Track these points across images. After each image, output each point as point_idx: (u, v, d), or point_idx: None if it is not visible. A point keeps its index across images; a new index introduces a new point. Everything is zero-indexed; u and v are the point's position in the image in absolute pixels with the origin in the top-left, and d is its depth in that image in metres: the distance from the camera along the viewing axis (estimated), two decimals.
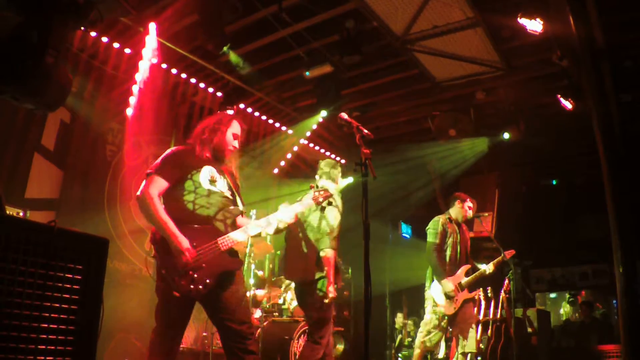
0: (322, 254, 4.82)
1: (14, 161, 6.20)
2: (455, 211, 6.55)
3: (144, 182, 3.54)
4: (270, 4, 6.04)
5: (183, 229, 3.42)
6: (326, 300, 4.71)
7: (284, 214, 3.77)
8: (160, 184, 3.54)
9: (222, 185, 3.73)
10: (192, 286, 3.32)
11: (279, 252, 8.71)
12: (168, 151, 3.73)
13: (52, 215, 6.43)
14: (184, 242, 3.35)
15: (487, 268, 6.26)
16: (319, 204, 3.92)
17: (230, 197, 3.78)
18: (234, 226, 3.72)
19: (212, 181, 3.67)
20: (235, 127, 3.91)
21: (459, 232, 6.47)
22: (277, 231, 3.86)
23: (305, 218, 5.08)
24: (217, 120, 3.90)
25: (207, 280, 3.37)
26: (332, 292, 4.71)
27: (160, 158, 3.68)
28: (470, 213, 6.60)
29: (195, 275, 3.34)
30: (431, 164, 9.93)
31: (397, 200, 9.89)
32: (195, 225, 3.51)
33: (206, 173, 3.67)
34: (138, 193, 3.50)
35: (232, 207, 3.74)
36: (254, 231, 3.68)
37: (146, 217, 3.49)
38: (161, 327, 3.48)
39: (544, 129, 8.55)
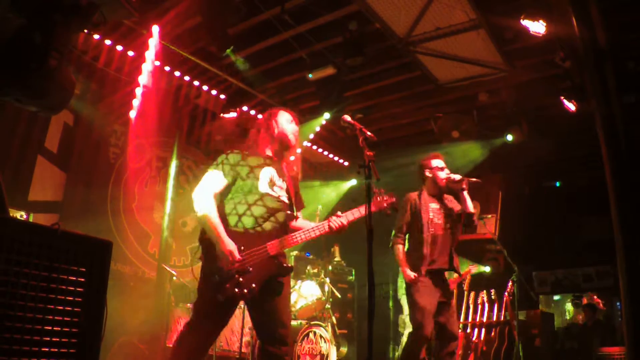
0: None
1: (17, 164, 6.21)
2: None
3: (204, 177, 3.53)
4: (273, 6, 6.05)
5: (233, 232, 3.40)
6: None
7: (336, 221, 3.66)
8: (219, 182, 3.53)
9: (280, 189, 3.68)
10: (236, 290, 3.27)
11: None
12: (230, 151, 3.69)
13: (55, 218, 6.45)
14: (230, 245, 3.30)
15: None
16: (383, 209, 3.79)
17: (287, 201, 3.73)
18: (286, 230, 3.68)
19: (271, 184, 3.63)
20: (284, 115, 3.88)
21: None
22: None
23: None
24: (266, 117, 3.89)
25: (253, 285, 3.32)
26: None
27: (224, 154, 3.65)
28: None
29: (241, 279, 3.29)
30: None
31: (400, 202, 9.88)
32: (247, 229, 3.47)
33: (266, 175, 3.63)
34: (197, 188, 3.48)
35: (287, 212, 3.70)
36: (312, 234, 3.63)
37: (198, 215, 3.43)
38: (197, 322, 3.41)
39: (547, 131, 8.53)
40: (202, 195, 3.44)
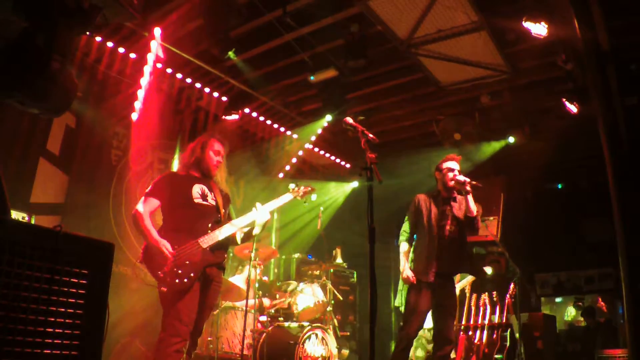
0: None
1: (19, 166, 6.21)
2: None
3: (140, 201, 4.15)
4: (275, 9, 6.05)
5: (174, 236, 4.02)
6: None
7: (261, 214, 4.43)
8: (151, 203, 4.16)
9: (211, 199, 4.33)
10: (177, 280, 3.85)
11: (284, 257, 8.71)
12: (159, 177, 4.39)
13: (57, 220, 6.44)
14: (164, 245, 3.92)
15: None
16: (300, 197, 4.79)
17: (217, 212, 4.35)
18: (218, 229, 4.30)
19: (204, 196, 4.29)
20: (215, 146, 4.48)
21: None
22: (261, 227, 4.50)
23: None
24: (198, 144, 4.50)
25: (192, 274, 3.92)
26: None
27: (153, 182, 4.32)
28: None
29: (180, 271, 3.88)
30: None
31: (402, 204, 9.87)
32: (184, 232, 4.08)
33: (197, 189, 4.29)
34: (133, 211, 4.11)
35: (217, 215, 4.31)
36: (242, 223, 4.34)
37: (136, 230, 4.10)
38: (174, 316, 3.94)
39: (549, 133, 8.53)
40: (137, 214, 4.08)
